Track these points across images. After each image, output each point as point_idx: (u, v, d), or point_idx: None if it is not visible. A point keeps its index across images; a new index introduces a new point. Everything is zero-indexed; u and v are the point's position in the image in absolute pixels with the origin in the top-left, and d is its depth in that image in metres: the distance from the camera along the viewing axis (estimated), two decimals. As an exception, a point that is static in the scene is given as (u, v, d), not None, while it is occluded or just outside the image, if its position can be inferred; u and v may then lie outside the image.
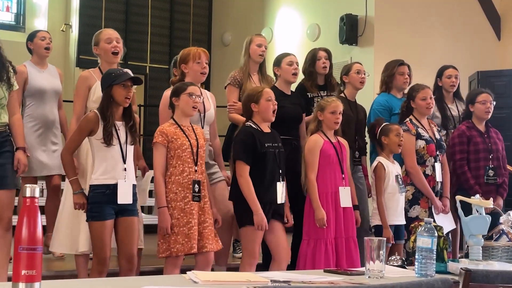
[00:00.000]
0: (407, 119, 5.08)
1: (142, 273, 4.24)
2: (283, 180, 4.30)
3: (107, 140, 3.76)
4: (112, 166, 3.80)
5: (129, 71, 4.00)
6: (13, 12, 10.45)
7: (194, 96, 4.05)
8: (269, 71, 5.35)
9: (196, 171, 4.02)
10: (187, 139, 4.02)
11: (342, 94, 5.12)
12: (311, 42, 9.01)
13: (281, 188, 4.29)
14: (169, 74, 10.44)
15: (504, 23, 8.99)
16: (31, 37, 5.32)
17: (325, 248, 4.44)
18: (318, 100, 5.23)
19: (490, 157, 5.34)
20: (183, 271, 2.96)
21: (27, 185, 1.94)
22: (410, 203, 4.97)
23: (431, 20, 8.55)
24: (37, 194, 1.93)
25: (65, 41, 10.44)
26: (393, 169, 4.83)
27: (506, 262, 3.39)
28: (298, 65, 4.98)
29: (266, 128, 4.34)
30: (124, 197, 3.80)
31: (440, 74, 5.72)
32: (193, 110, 4.08)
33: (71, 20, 10.32)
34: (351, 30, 8.32)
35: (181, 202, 3.96)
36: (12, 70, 4.08)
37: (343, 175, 4.58)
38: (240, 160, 4.21)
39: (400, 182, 4.80)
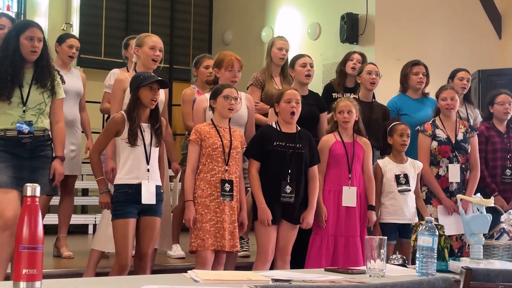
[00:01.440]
0: (431, 120, 5.14)
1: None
2: (292, 181, 4.32)
3: (132, 140, 3.86)
4: (136, 166, 3.89)
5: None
6: (14, 11, 10.44)
7: (230, 99, 4.18)
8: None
9: (226, 170, 4.11)
10: (219, 139, 4.14)
11: (356, 95, 5.17)
12: (311, 41, 9.01)
13: (287, 188, 4.30)
14: (170, 73, 10.49)
15: (505, 22, 8.98)
16: (60, 40, 5.40)
17: (320, 244, 4.50)
18: None
19: (508, 157, 5.39)
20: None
21: (28, 184, 1.94)
22: (424, 202, 5.02)
23: (432, 19, 8.55)
24: (37, 193, 1.94)
25: (66, 40, 10.43)
26: (394, 168, 4.84)
27: (507, 261, 3.39)
28: (312, 67, 5.02)
29: (287, 128, 4.41)
30: (148, 197, 3.88)
31: (452, 76, 5.77)
32: (229, 112, 4.24)
33: (71, 19, 10.30)
34: (351, 29, 8.32)
35: (207, 199, 4.08)
36: (59, 80, 4.19)
37: (350, 175, 4.60)
38: (249, 156, 4.38)
39: (403, 182, 4.80)
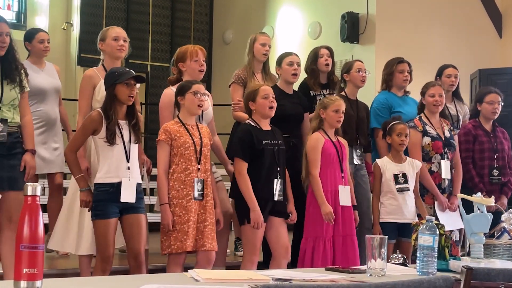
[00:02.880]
0: (417, 116, 5.11)
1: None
2: (281, 178, 4.31)
3: (110, 139, 3.78)
4: (116, 165, 3.82)
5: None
6: (15, 10, 10.45)
7: (199, 95, 4.05)
8: (272, 69, 5.34)
9: (199, 169, 4.02)
10: (190, 137, 4.02)
11: (342, 92, 5.11)
12: (312, 40, 9.01)
13: (278, 185, 4.29)
14: (170, 72, 10.49)
15: (505, 21, 8.98)
16: (29, 38, 5.24)
17: (324, 246, 4.45)
18: (321, 98, 5.23)
19: (495, 156, 5.36)
20: (188, 269, 2.95)
21: (29, 183, 1.95)
22: None
23: (433, 18, 8.55)
24: (38, 192, 1.94)
25: (66, 40, 10.45)
26: (393, 167, 4.83)
27: (507, 260, 3.39)
28: (299, 66, 4.97)
29: (265, 126, 4.36)
30: (127, 195, 3.82)
31: (439, 73, 5.72)
32: (198, 109, 4.09)
33: (72, 19, 10.31)
34: (352, 28, 8.32)
35: (183, 200, 3.96)
36: (24, 72, 4.12)
37: (343, 174, 4.59)
38: (237, 157, 4.27)
39: (401, 182, 4.80)
